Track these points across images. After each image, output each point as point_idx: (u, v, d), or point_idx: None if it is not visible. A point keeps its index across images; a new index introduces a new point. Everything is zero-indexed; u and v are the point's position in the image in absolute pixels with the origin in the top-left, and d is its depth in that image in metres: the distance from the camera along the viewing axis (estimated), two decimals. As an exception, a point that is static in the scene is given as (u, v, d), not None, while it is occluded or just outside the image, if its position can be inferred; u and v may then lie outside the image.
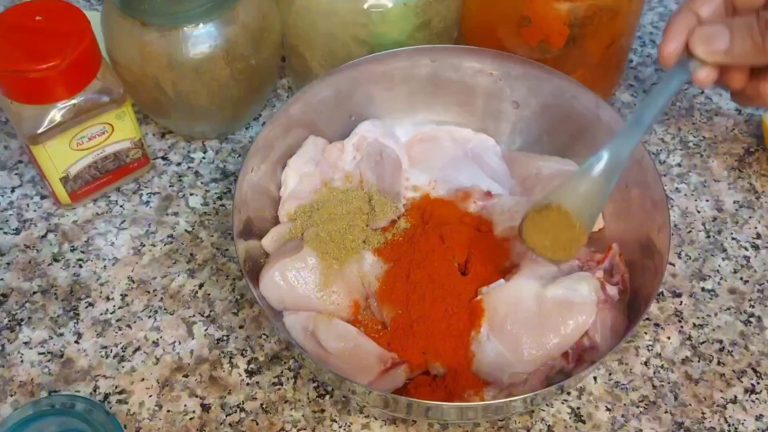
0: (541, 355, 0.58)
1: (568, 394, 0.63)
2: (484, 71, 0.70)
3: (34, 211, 0.72)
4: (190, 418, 0.61)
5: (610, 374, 0.64)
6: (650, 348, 0.65)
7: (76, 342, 0.65)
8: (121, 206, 0.73)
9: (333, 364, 0.58)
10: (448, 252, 0.62)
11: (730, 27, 0.55)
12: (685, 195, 0.74)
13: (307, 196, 0.66)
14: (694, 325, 0.66)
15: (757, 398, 0.63)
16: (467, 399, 0.58)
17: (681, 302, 0.67)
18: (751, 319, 0.67)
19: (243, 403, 0.62)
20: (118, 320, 0.66)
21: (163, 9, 0.66)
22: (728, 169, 0.76)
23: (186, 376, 0.63)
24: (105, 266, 0.69)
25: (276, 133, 0.65)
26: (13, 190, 0.74)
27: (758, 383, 0.63)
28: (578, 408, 0.62)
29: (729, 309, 0.67)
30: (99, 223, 0.72)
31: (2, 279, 0.68)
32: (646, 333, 0.66)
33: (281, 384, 0.63)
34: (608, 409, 0.62)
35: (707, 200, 0.74)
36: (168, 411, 0.61)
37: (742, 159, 0.76)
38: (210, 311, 0.66)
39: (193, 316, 0.66)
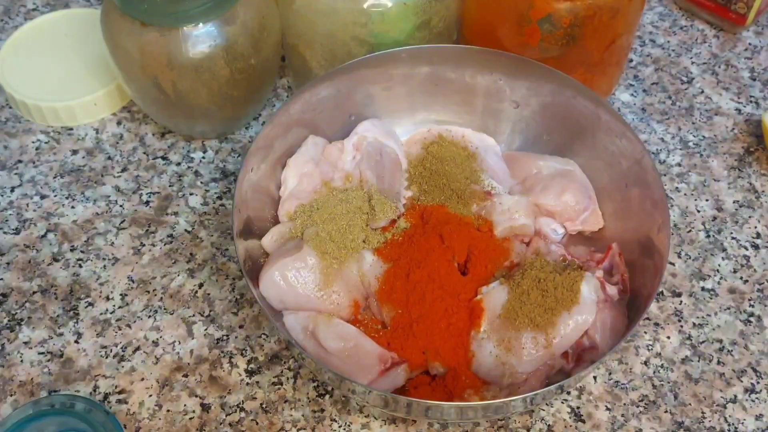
0: (541, 355, 0.58)
1: (568, 393, 0.63)
2: (483, 71, 0.70)
3: (34, 210, 0.72)
4: (190, 418, 0.61)
5: (610, 374, 0.64)
6: (650, 347, 0.65)
7: (76, 342, 0.65)
8: (120, 206, 0.73)
9: (333, 364, 0.58)
10: (448, 252, 0.62)
11: None
12: (685, 195, 0.74)
13: (306, 195, 0.66)
14: (694, 324, 0.66)
15: (756, 398, 0.63)
16: (467, 399, 0.58)
17: (681, 302, 0.67)
18: (751, 319, 0.67)
19: (243, 403, 0.62)
20: (117, 320, 0.66)
21: (163, 9, 0.66)
22: (728, 168, 0.76)
23: (186, 375, 0.63)
24: (105, 266, 0.69)
25: (276, 133, 0.65)
26: (12, 190, 0.74)
27: (758, 383, 0.63)
28: (578, 407, 0.62)
29: (729, 308, 0.67)
30: (99, 222, 0.72)
31: (2, 279, 0.68)
32: (645, 332, 0.66)
33: (281, 384, 0.63)
34: (608, 409, 0.62)
35: (707, 200, 0.74)
36: (168, 411, 0.61)
37: (741, 158, 0.76)
38: (210, 311, 0.66)
39: (193, 315, 0.66)
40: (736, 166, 0.76)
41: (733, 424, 0.61)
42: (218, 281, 0.68)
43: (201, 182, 0.74)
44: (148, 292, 0.67)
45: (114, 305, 0.67)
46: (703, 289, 0.68)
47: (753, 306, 0.67)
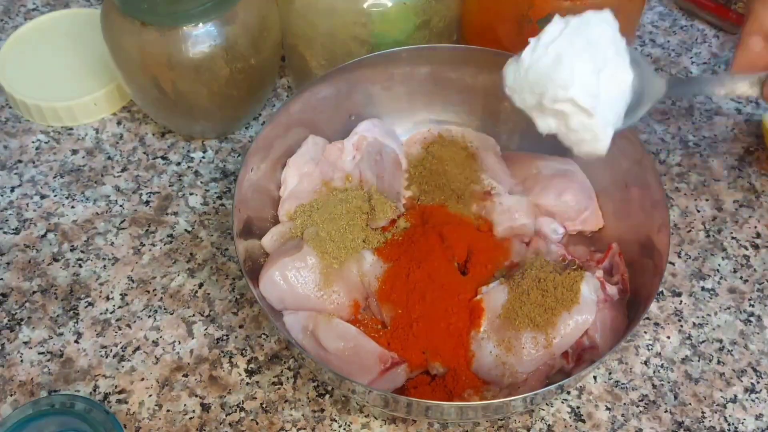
0: (541, 354, 0.58)
1: (568, 393, 0.63)
2: (483, 71, 0.70)
3: (34, 210, 0.72)
4: (190, 418, 0.61)
5: (610, 373, 0.64)
6: (650, 347, 0.65)
7: (76, 342, 0.65)
8: (120, 206, 0.73)
9: (333, 364, 0.58)
10: (448, 252, 0.62)
11: None
12: (685, 194, 0.74)
13: (306, 195, 0.66)
14: (694, 324, 0.66)
15: (756, 397, 0.63)
16: (467, 398, 0.58)
17: (681, 301, 0.67)
18: (751, 319, 0.67)
19: (243, 403, 0.62)
20: (117, 320, 0.66)
21: (163, 8, 0.66)
22: (728, 168, 0.76)
23: (186, 375, 0.63)
24: (105, 266, 0.69)
25: (276, 133, 0.65)
26: (12, 190, 0.74)
27: (758, 382, 0.63)
28: (578, 407, 0.62)
29: (729, 308, 0.67)
30: (99, 222, 0.72)
31: (2, 279, 0.68)
32: (645, 332, 0.66)
33: (281, 383, 0.63)
34: (608, 409, 0.62)
35: (707, 200, 0.74)
36: (168, 410, 0.61)
37: (741, 158, 0.76)
38: (210, 311, 0.66)
39: (193, 315, 0.66)
40: (736, 166, 0.76)
41: (733, 423, 0.61)
42: (218, 281, 0.68)
43: (201, 182, 0.74)
44: (148, 292, 0.67)
45: (114, 305, 0.67)
46: (703, 288, 0.68)
47: (753, 306, 0.67)
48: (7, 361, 0.64)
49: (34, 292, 0.67)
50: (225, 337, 0.65)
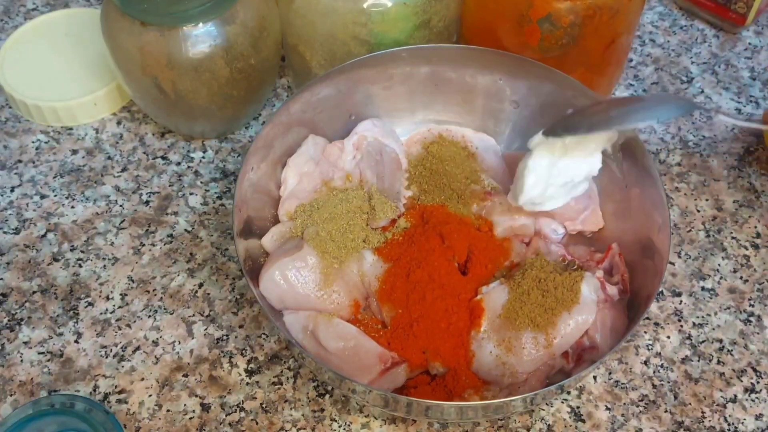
0: (541, 354, 0.58)
1: (568, 393, 0.63)
2: (484, 71, 0.70)
3: (34, 210, 0.72)
4: (190, 418, 0.61)
5: (610, 373, 0.64)
6: (650, 347, 0.65)
7: (76, 342, 0.65)
8: (120, 206, 0.73)
9: (333, 364, 0.58)
10: (448, 252, 0.62)
11: None
12: (685, 194, 0.74)
13: (307, 195, 0.66)
14: (694, 324, 0.66)
15: (756, 397, 0.63)
16: (467, 398, 0.58)
17: (681, 301, 0.67)
18: (751, 319, 0.67)
19: (243, 403, 0.62)
20: (117, 320, 0.66)
21: (163, 8, 0.66)
22: (728, 168, 0.76)
23: (186, 375, 0.63)
24: (105, 266, 0.69)
25: (276, 133, 0.65)
26: (12, 190, 0.74)
27: (758, 382, 0.63)
28: (578, 407, 0.62)
29: (729, 308, 0.67)
30: (99, 222, 0.72)
31: (2, 279, 0.68)
32: (645, 332, 0.66)
33: (281, 383, 0.63)
34: (608, 409, 0.62)
35: (707, 199, 0.74)
36: (168, 410, 0.61)
37: (741, 158, 0.76)
38: (210, 311, 0.66)
39: (193, 315, 0.66)
40: (736, 166, 0.76)
41: (733, 423, 0.61)
42: (218, 281, 0.68)
43: (201, 182, 0.74)
44: (148, 292, 0.67)
45: (114, 305, 0.67)
46: (703, 288, 0.68)
47: (753, 306, 0.67)
48: (7, 361, 0.64)
49: (34, 292, 0.67)
50: (225, 337, 0.65)
